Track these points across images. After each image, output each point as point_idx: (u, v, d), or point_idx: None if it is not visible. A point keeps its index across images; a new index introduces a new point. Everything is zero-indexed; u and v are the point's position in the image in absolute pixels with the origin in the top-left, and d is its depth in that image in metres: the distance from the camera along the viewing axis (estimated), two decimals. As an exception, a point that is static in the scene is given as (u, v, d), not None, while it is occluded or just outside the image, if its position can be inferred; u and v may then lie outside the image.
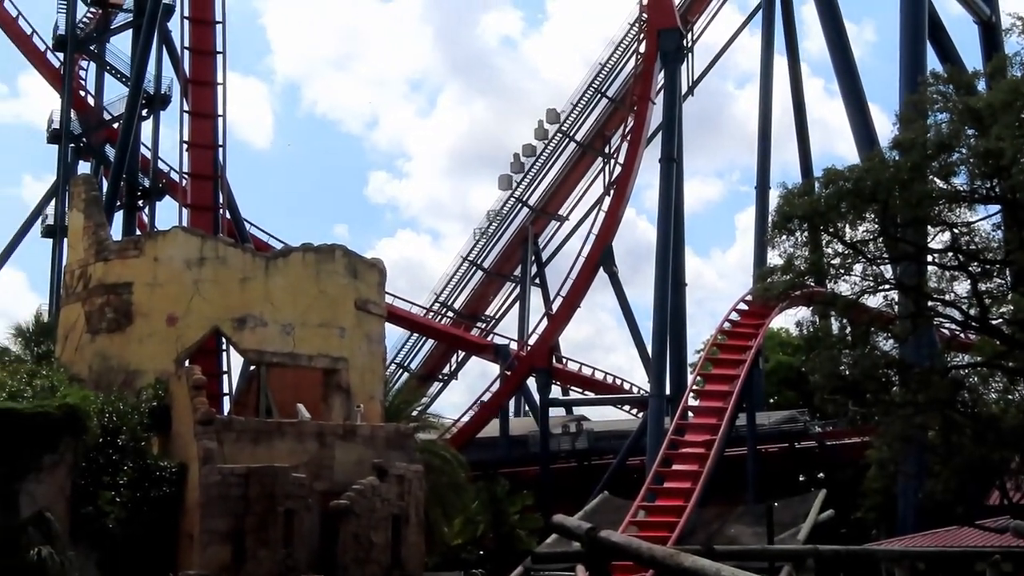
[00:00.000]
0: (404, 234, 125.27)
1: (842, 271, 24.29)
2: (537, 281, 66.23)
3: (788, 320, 46.68)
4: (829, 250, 24.29)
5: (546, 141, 65.15)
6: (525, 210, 65.81)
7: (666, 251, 48.94)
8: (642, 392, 55.88)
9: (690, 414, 40.88)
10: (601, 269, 53.67)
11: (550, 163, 65.47)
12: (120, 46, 59.11)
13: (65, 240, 37.80)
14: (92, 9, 60.79)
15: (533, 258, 65.61)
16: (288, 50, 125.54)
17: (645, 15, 53.81)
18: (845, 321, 27.83)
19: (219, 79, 48.94)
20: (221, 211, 48.40)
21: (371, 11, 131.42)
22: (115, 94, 58.51)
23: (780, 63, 56.04)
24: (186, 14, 49.47)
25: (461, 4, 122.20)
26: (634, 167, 52.19)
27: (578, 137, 64.55)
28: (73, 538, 24.11)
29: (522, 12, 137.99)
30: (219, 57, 49.30)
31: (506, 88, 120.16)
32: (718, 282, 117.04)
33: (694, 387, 42.89)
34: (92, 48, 59.29)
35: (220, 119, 48.77)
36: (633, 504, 35.54)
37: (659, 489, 36.76)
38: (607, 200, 53.91)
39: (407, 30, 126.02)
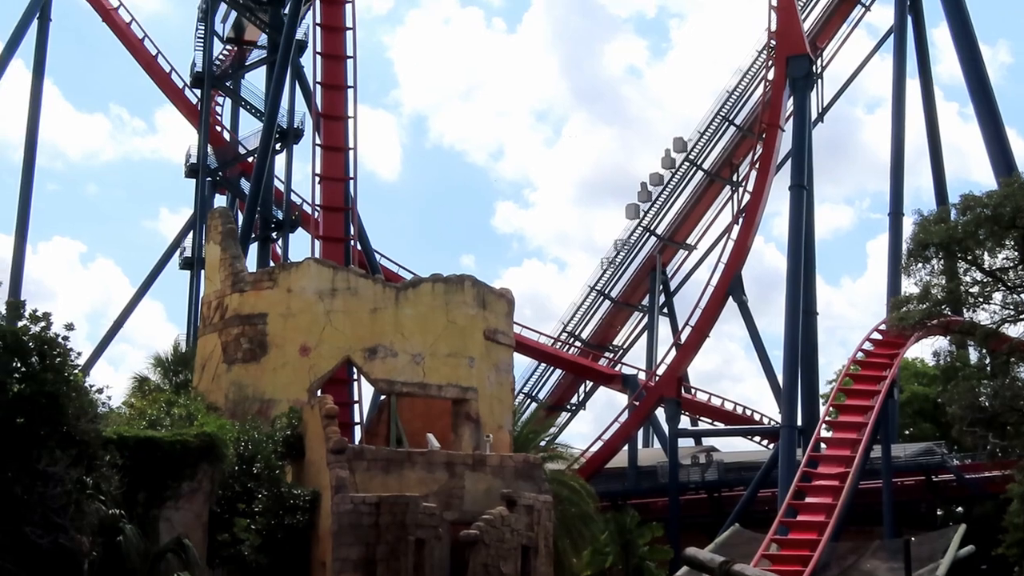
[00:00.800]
0: (530, 263, 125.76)
1: (981, 299, 23.73)
2: (665, 310, 65.80)
3: (924, 350, 45.72)
4: (967, 278, 23.77)
5: (673, 170, 64.83)
6: (653, 239, 65.51)
7: (796, 279, 48.26)
8: (773, 423, 55.04)
9: (823, 446, 40.14)
10: (730, 298, 53.15)
11: (678, 192, 65.11)
12: (254, 82, 60.80)
13: (202, 272, 38.81)
14: (228, 47, 62.55)
15: (661, 287, 65.21)
16: (415, 82, 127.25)
17: (773, 42, 53.34)
18: (984, 351, 27.15)
19: (350, 113, 49.82)
20: (352, 242, 49.15)
21: (496, 42, 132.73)
22: (250, 129, 60.13)
23: (912, 87, 55.00)
24: (318, 50, 50.50)
25: (586, 34, 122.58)
26: (763, 195, 51.64)
27: (706, 165, 64.12)
28: (210, 564, 24.63)
29: (647, 41, 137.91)
30: (350, 91, 50.21)
31: (632, 117, 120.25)
32: (849, 310, 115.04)
33: (827, 418, 42.13)
34: (228, 84, 60.97)
35: (351, 152, 49.60)
36: (765, 537, 35.01)
37: (792, 522, 36.15)
38: (736, 228, 53.36)
39: (532, 61, 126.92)
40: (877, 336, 44.48)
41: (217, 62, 61.52)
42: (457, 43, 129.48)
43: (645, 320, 65.78)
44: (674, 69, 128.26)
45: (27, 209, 55.86)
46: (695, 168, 64.30)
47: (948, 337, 31.47)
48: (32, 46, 57.89)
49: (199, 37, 60.60)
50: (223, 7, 60.72)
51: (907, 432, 56.32)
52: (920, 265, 24.60)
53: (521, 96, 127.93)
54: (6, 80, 61.42)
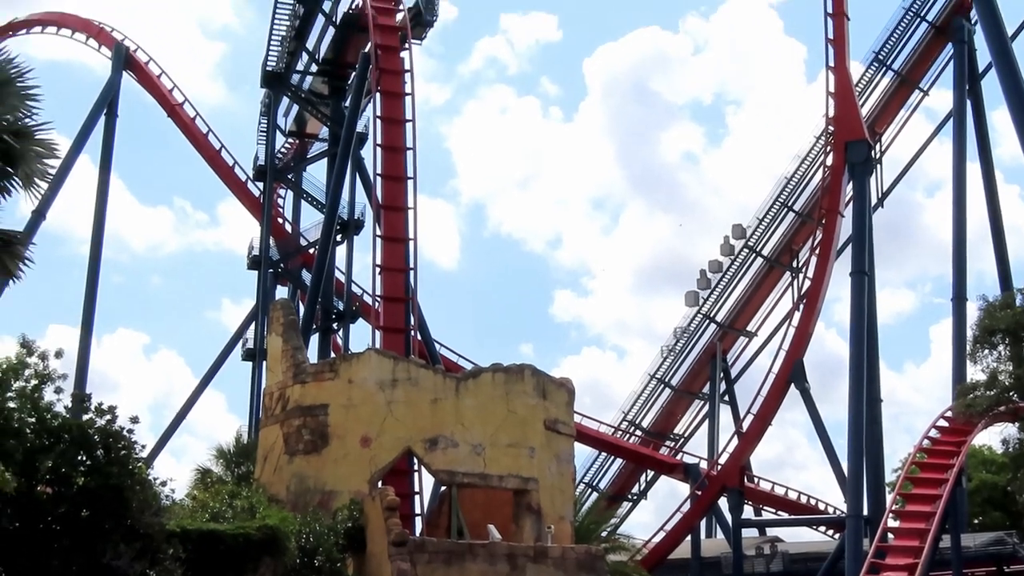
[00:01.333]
0: (590, 352, 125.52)
1: (1050, 387, 23.31)
2: (726, 398, 65.22)
3: (992, 437, 44.93)
4: (1035, 365, 23.38)
5: (732, 256, 64.72)
6: (713, 326, 65.20)
7: (859, 366, 47.70)
8: (838, 512, 54.12)
9: (890, 536, 39.40)
10: (792, 385, 52.59)
11: (737, 278, 64.92)
12: (316, 174, 61.82)
13: (264, 363, 39.06)
14: (290, 140, 63.72)
15: (722, 375, 64.73)
16: (473, 172, 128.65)
17: (831, 128, 53.38)
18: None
19: (409, 204, 50.17)
20: (412, 333, 49.25)
21: (553, 131, 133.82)
22: (311, 221, 61.03)
23: (973, 170, 54.63)
24: (379, 142, 51.05)
25: (642, 122, 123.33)
26: (824, 281, 51.31)
27: (765, 252, 63.93)
28: (271, 657, 24.51)
29: (704, 128, 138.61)
30: (409, 183, 50.62)
31: (689, 204, 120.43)
32: (914, 396, 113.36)
33: (893, 507, 41.42)
34: (290, 177, 62.06)
35: (411, 243, 49.89)
36: (833, 630, 34.31)
37: (860, 615, 35.40)
38: (797, 315, 52.97)
39: (589, 149, 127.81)
40: (943, 423, 43.76)
41: (279, 155, 62.68)
42: (514, 132, 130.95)
43: (706, 408, 65.21)
44: (731, 155, 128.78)
45: (93, 302, 56.79)
46: (754, 254, 64.11)
47: (1017, 424, 30.89)
48: (99, 142, 59.41)
49: (262, 131, 61.91)
50: (285, 101, 62.01)
51: (976, 521, 55.12)
52: (987, 351, 24.30)
53: (578, 184, 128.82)
54: (73, 175, 62.85)
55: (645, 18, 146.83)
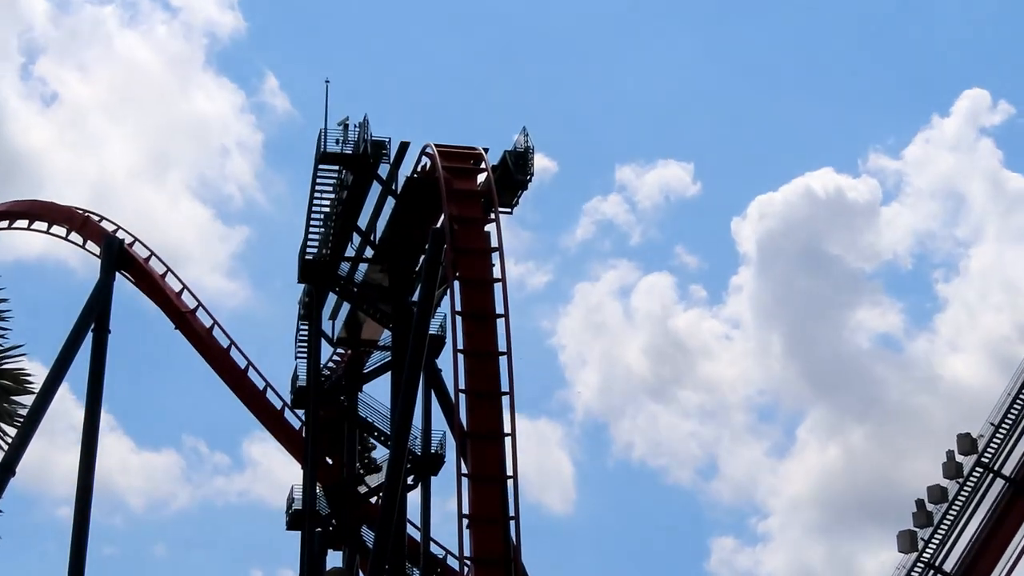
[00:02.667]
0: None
1: None
2: None
3: None
4: None
5: (961, 480, 62.44)
6: (939, 580, 62.62)
7: None
8: None
9: None
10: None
11: (969, 511, 62.50)
12: (377, 394, 61.26)
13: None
14: (340, 351, 63.47)
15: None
16: (589, 379, 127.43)
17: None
18: None
19: (506, 428, 49.18)
20: (517, 608, 47.75)
21: (695, 317, 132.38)
22: (372, 458, 60.13)
23: None
24: (460, 347, 50.37)
25: (818, 299, 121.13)
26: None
27: (1006, 471, 61.62)
28: None
29: (904, 302, 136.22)
30: (504, 399, 49.75)
31: (892, 408, 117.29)
32: None
33: None
34: (342, 400, 61.57)
35: (509, 481, 48.66)
36: None
37: None
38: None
39: (747, 339, 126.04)
40: None
41: (326, 372, 62.26)
42: (641, 322, 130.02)
43: None
44: (946, 338, 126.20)
45: (78, 584, 56.00)
46: (992, 475, 61.78)
47: None
48: (86, 366, 59.35)
49: (301, 340, 61.60)
50: (331, 299, 61.97)
51: None
52: None
53: (736, 389, 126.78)
54: (52, 414, 62.65)
55: (812, 158, 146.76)
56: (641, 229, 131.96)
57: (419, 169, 57.46)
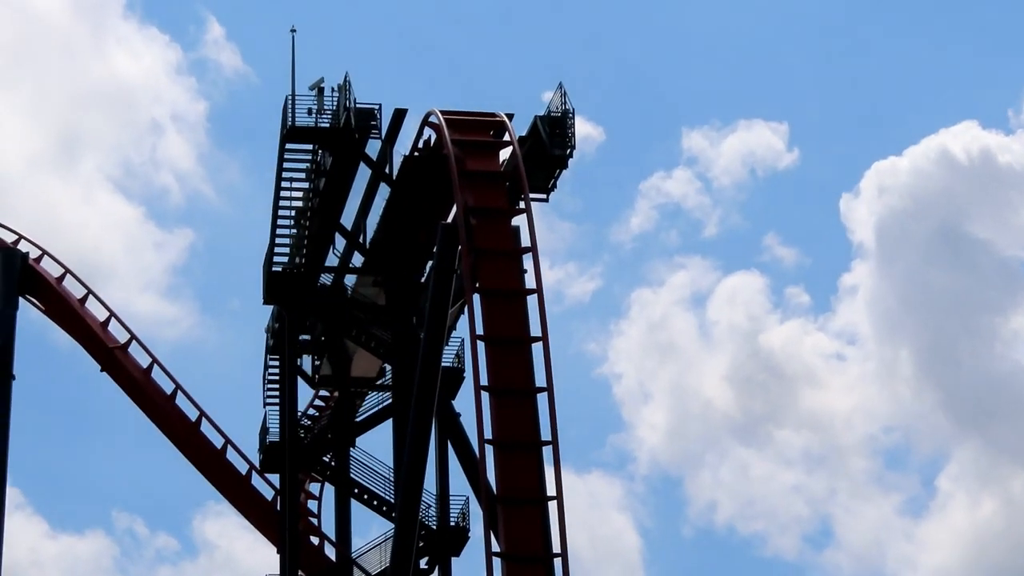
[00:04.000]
0: None
1: None
2: None
3: None
4: None
5: None
6: None
7: None
8: None
9: None
10: None
11: None
12: (375, 449, 61.45)
13: None
14: (323, 394, 63.56)
15: None
16: (653, 418, 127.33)
17: None
18: None
19: (549, 490, 49.09)
20: None
21: (793, 327, 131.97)
22: (372, 532, 60.54)
23: None
24: (484, 383, 50.05)
25: (959, 298, 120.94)
26: None
27: None
28: None
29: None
30: (546, 450, 49.74)
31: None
32: None
33: None
34: (327, 460, 61.72)
35: (557, 560, 48.65)
36: None
37: None
38: None
39: (863, 354, 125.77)
40: None
41: (306, 421, 62.46)
42: (720, 336, 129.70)
43: None
44: None
45: None
46: None
47: None
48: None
49: (271, 381, 61.78)
50: (310, 324, 62.01)
51: None
52: None
53: (853, 425, 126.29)
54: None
55: (949, 110, 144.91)
56: (719, 215, 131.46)
57: (421, 145, 57.40)
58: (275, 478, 60.70)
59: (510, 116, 55.79)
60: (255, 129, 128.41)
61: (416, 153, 57.34)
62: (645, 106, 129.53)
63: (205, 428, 62.02)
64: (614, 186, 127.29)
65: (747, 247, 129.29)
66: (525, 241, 51.79)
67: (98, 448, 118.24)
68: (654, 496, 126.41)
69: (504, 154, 54.78)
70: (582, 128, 57.66)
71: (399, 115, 57.55)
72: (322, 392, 65.09)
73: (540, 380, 49.65)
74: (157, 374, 62.55)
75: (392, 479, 58.26)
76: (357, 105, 57.15)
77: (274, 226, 60.26)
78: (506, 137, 54.74)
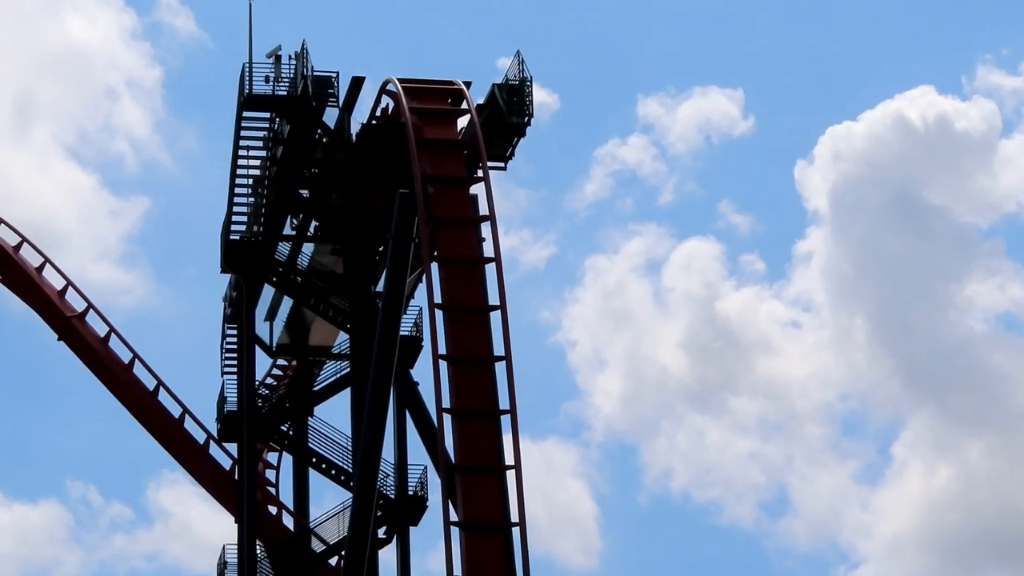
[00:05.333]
0: None
1: None
2: None
3: None
4: None
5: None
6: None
7: None
8: None
9: None
10: None
11: None
12: (333, 418, 61.26)
13: None
14: (280, 363, 63.29)
15: None
16: (609, 387, 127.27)
17: None
18: None
19: (507, 459, 48.93)
20: None
21: (751, 294, 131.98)
22: (329, 502, 60.30)
23: None
24: (441, 351, 49.81)
25: (916, 265, 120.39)
26: None
27: None
28: None
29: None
30: (504, 419, 49.54)
31: (1022, 415, 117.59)
32: None
33: None
34: (285, 429, 61.53)
35: (514, 530, 48.42)
36: None
37: None
38: None
39: (819, 320, 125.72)
40: None
41: (264, 391, 62.15)
42: (678, 302, 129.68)
43: None
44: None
45: None
46: None
47: None
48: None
49: (229, 350, 61.46)
50: (268, 292, 61.67)
51: None
52: None
53: (809, 392, 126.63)
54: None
55: (905, 74, 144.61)
56: (674, 181, 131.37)
57: (378, 114, 57.37)
58: (233, 447, 60.49)
59: (468, 83, 55.79)
60: (211, 95, 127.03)
61: (374, 121, 57.19)
62: (600, 72, 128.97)
63: (163, 397, 61.73)
64: (569, 153, 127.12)
65: (702, 214, 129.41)
66: (483, 210, 51.71)
67: (50, 417, 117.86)
68: (610, 463, 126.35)
69: (462, 122, 54.59)
70: (537, 95, 57.18)
71: (356, 83, 57.43)
72: (280, 361, 64.74)
73: (498, 349, 49.49)
74: (114, 343, 62.19)
75: (350, 448, 58.14)
76: (315, 73, 56.92)
77: (231, 195, 59.97)
78: (464, 105, 54.53)
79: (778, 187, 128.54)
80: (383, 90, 56.24)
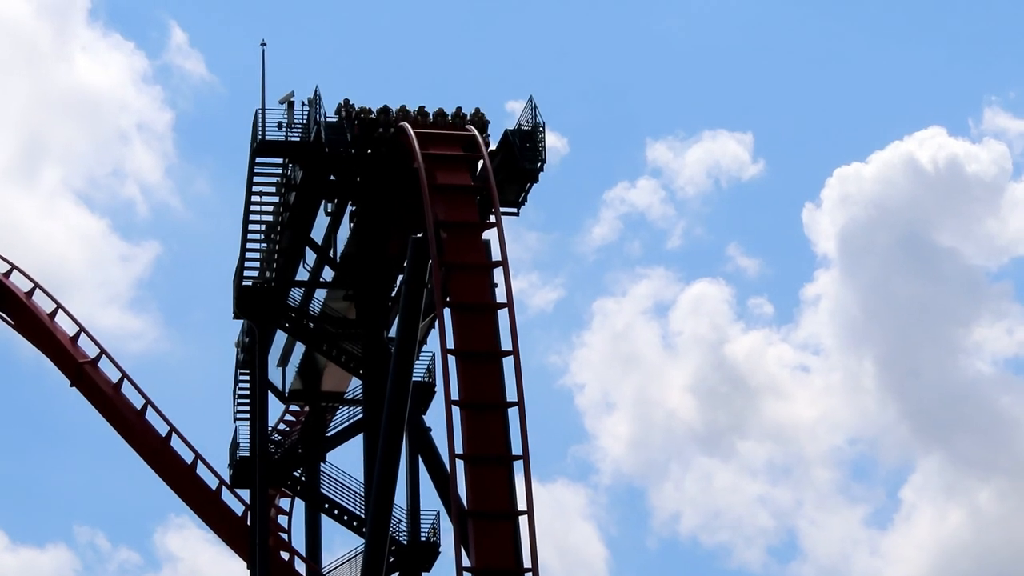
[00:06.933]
0: None
1: None
2: None
3: None
4: None
5: None
6: None
7: None
8: None
9: None
10: None
11: None
12: (346, 463, 60.95)
13: None
14: (294, 408, 62.90)
15: None
16: (616, 429, 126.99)
17: None
18: None
19: (519, 505, 48.60)
20: None
21: (759, 337, 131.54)
22: (341, 547, 60.07)
23: None
24: (455, 397, 49.43)
25: (925, 308, 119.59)
26: None
27: None
28: None
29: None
30: (516, 465, 49.26)
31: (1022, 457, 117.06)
32: None
33: None
34: (298, 474, 61.22)
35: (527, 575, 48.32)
36: None
37: None
38: None
39: (828, 364, 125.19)
40: None
41: (276, 436, 61.89)
42: (688, 348, 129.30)
43: None
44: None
45: None
46: None
47: None
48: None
49: (241, 396, 61.23)
50: (280, 338, 61.44)
51: None
52: None
53: (818, 436, 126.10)
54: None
55: (915, 115, 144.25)
56: (683, 225, 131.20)
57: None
58: (245, 493, 60.18)
59: (485, 125, 55.46)
60: (223, 139, 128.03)
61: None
62: (609, 116, 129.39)
63: (175, 443, 61.45)
64: (578, 196, 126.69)
65: (710, 257, 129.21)
66: (495, 255, 51.37)
67: (57, 461, 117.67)
68: (618, 507, 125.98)
69: (478, 166, 54.37)
70: (548, 139, 56.93)
71: (370, 125, 56.92)
72: (292, 407, 64.50)
73: (511, 394, 49.19)
74: (127, 389, 61.91)
75: (363, 494, 57.89)
76: (328, 119, 56.65)
77: (244, 240, 59.81)
78: (477, 150, 54.27)
79: (787, 230, 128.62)
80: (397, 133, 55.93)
